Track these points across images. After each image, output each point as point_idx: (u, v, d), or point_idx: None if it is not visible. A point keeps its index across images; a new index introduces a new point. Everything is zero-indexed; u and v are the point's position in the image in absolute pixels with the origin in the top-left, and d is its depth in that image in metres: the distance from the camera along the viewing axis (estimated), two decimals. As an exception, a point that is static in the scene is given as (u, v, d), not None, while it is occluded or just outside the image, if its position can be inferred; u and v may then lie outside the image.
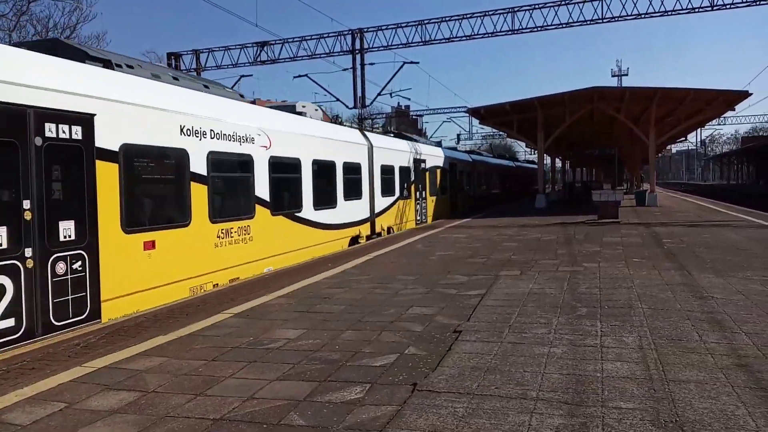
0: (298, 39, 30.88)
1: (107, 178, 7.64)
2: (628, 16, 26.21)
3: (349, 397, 4.34)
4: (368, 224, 17.00)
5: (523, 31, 27.94)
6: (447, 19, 28.94)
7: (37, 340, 6.37)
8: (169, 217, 8.96)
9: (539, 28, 27.66)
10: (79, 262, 7.15)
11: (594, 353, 5.18)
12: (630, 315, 6.52)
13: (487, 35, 28.48)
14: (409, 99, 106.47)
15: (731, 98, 25.38)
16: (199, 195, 9.50)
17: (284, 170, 12.35)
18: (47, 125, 6.77)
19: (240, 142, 10.74)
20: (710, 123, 56.29)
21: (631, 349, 5.29)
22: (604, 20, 26.55)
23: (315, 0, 32.40)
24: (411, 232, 18.08)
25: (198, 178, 9.50)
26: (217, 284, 9.71)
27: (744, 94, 24.78)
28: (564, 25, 27.30)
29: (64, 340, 6.30)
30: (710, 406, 3.97)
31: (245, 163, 10.99)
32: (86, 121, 7.30)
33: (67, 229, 7.01)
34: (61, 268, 6.87)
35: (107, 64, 8.68)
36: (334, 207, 14.64)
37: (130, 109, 8.13)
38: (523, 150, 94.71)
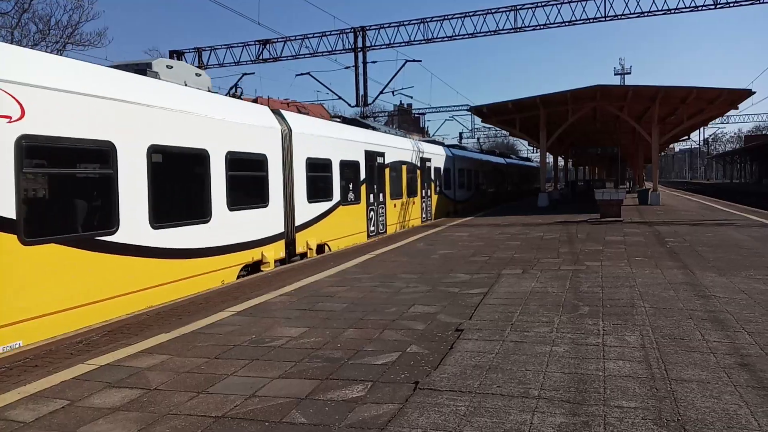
0: (300, 37, 30.90)
1: None
2: (630, 14, 26.17)
3: (351, 396, 4.34)
4: (281, 242, 12.04)
5: (526, 29, 27.92)
6: (449, 17, 28.93)
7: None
8: None
9: (542, 26, 27.64)
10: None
11: (596, 352, 5.18)
12: (632, 314, 6.52)
13: (489, 33, 28.46)
14: (412, 97, 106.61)
15: (734, 97, 25.32)
16: None
17: (68, 163, 7.51)
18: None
19: None
20: (713, 122, 56.17)
21: (633, 347, 5.29)
22: (607, 18, 26.51)
23: (317, -2, 32.30)
24: (410, 231, 18.06)
25: None
26: None
27: (747, 93, 24.73)
28: (567, 23, 27.26)
29: (67, 338, 6.32)
30: (712, 406, 3.97)
31: None
32: None
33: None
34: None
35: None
36: (205, 221, 9.70)
37: None
38: (525, 148, 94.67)
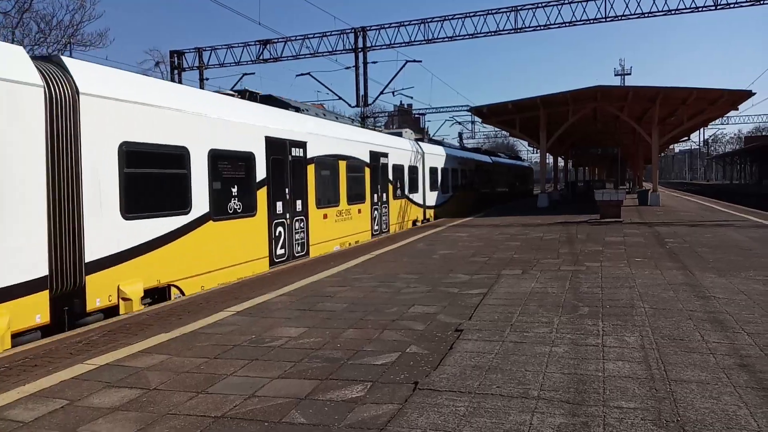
0: (300, 37, 30.91)
1: None
2: (631, 15, 26.19)
3: (351, 396, 4.34)
4: (37, 297, 6.75)
5: (526, 29, 27.94)
6: (450, 17, 28.95)
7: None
8: None
9: (542, 27, 27.65)
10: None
11: (595, 353, 5.18)
12: (632, 314, 6.51)
13: (489, 34, 28.47)
14: (412, 98, 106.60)
15: (735, 98, 25.32)
16: None
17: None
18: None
19: None
20: (713, 122, 56.22)
21: (632, 348, 5.29)
22: (607, 19, 26.53)
23: (317, -2, 32.31)
24: (409, 231, 18.06)
25: None
26: None
27: (747, 94, 24.73)
28: (567, 24, 27.28)
29: (67, 337, 6.31)
30: (712, 406, 3.96)
31: None
32: None
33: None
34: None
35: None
36: None
37: None
38: (525, 149, 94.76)
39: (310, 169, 13.18)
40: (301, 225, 12.73)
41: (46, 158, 6.85)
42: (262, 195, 11.18)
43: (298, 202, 12.61)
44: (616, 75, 78.55)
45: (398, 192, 19.59)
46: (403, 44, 29.68)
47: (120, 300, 7.89)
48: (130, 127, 8.10)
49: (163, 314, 7.24)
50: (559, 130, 28.57)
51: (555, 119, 28.58)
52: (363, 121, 30.08)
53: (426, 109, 62.22)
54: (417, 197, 21.68)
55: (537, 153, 49.13)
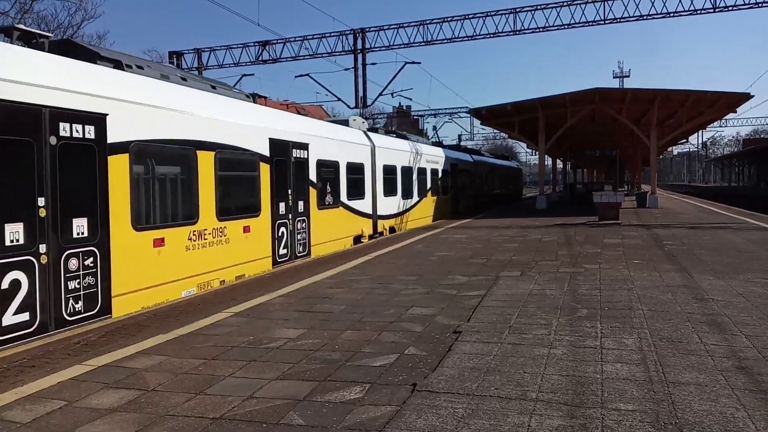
0: (300, 38, 30.93)
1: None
2: (630, 17, 26.24)
3: (349, 397, 4.34)
4: None
5: (525, 31, 28.00)
6: (449, 19, 28.97)
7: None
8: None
9: (541, 29, 27.71)
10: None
11: (594, 355, 5.18)
12: (630, 317, 6.52)
13: (489, 36, 28.51)
14: (411, 99, 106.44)
15: (733, 100, 25.39)
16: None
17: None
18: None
19: None
20: (712, 125, 56.36)
21: (630, 350, 5.29)
22: (606, 21, 26.59)
23: (317, 0, 32.32)
24: (408, 233, 18.06)
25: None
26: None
27: (745, 96, 24.79)
28: (566, 26, 27.33)
29: (65, 338, 6.31)
30: (710, 409, 3.97)
31: None
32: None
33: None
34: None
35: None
36: None
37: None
38: (524, 151, 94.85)
39: (116, 166, 7.70)
40: (100, 263, 7.35)
41: None
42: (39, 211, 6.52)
43: (82, 224, 7.13)
44: (614, 77, 78.69)
45: (328, 198, 14.20)
46: (402, 46, 29.72)
47: None
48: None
49: (161, 315, 7.24)
50: (557, 132, 28.61)
51: (554, 121, 28.62)
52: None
53: (425, 110, 62.31)
54: (362, 205, 16.40)
55: (536, 155, 49.03)
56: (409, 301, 7.65)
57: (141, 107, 8.23)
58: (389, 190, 18.79)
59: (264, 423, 3.93)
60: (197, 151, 9.44)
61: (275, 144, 11.79)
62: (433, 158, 24.20)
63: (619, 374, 4.67)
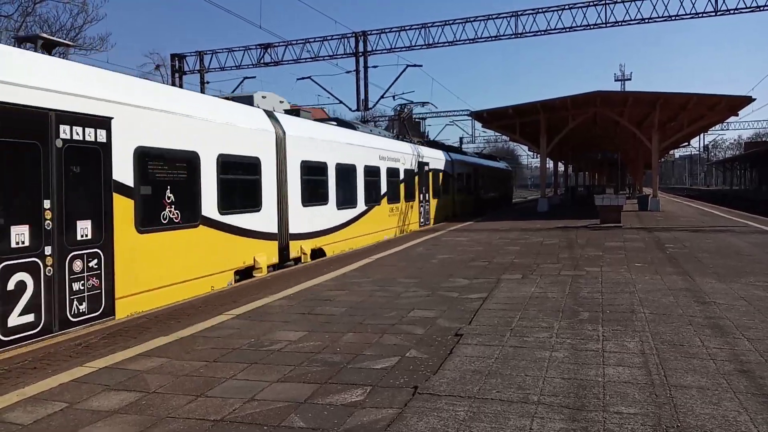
0: (301, 41, 30.97)
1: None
2: (631, 20, 26.24)
3: (350, 400, 4.34)
4: None
5: (527, 34, 27.98)
6: (450, 22, 29.00)
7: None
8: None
9: (543, 32, 27.70)
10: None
11: (596, 358, 5.17)
12: (632, 320, 6.51)
13: (490, 39, 28.51)
14: (412, 102, 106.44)
15: (734, 103, 25.36)
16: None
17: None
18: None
19: None
20: (713, 128, 56.33)
21: (632, 353, 5.28)
22: (608, 25, 26.59)
23: (319, 2, 32.36)
24: (409, 236, 18.04)
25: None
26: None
27: (747, 100, 24.76)
28: (567, 29, 27.33)
29: (66, 340, 6.31)
30: (712, 412, 3.96)
31: None
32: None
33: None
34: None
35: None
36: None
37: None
38: (526, 153, 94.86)
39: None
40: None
41: None
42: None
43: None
44: (616, 80, 78.87)
45: (169, 213, 8.82)
46: (404, 48, 29.73)
47: None
48: None
49: (162, 317, 7.24)
50: (559, 134, 28.61)
51: (555, 124, 28.62)
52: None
53: (426, 113, 62.27)
54: (254, 220, 11.09)
55: (537, 157, 49.02)
56: (410, 303, 7.65)
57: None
58: (314, 197, 13.36)
59: (265, 425, 3.93)
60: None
61: (23, 115, 6.44)
62: (393, 154, 18.92)
63: (620, 377, 4.66)
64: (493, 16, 28.36)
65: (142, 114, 8.35)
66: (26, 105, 6.37)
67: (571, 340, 5.72)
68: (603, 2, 26.44)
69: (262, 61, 31.68)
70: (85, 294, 7.11)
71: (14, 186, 6.29)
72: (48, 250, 6.61)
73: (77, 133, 7.10)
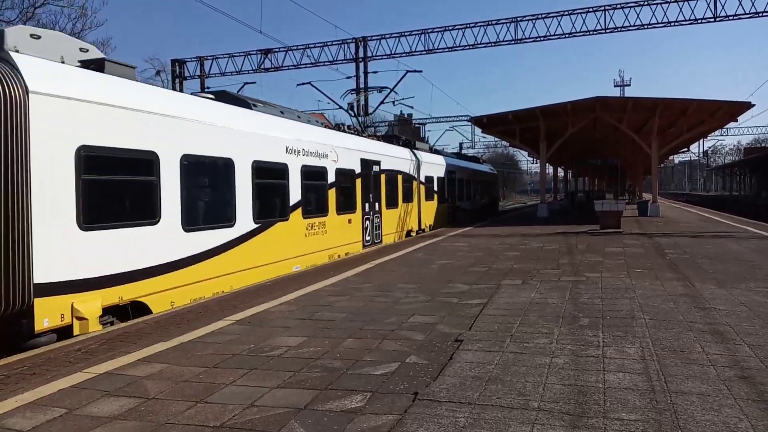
0: (301, 47, 31.10)
1: None
2: (631, 26, 26.37)
3: (350, 406, 4.33)
4: None
5: (526, 40, 28.13)
6: (450, 28, 29.13)
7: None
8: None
9: (542, 38, 27.84)
10: None
11: (596, 364, 5.16)
12: (632, 326, 6.50)
13: (490, 44, 28.64)
14: (412, 107, 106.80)
15: (734, 109, 25.41)
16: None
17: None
18: None
19: None
20: (713, 134, 56.42)
21: (633, 359, 5.27)
22: (607, 30, 26.73)
23: (319, 8, 32.49)
24: (409, 241, 18.04)
25: None
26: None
27: (746, 105, 24.81)
28: (567, 35, 27.45)
29: (65, 345, 6.30)
30: (713, 419, 3.95)
31: None
32: None
33: None
34: None
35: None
36: None
37: None
38: (525, 159, 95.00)
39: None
40: None
41: None
42: None
43: None
44: (615, 86, 78.89)
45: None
46: (404, 54, 29.86)
47: None
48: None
49: (162, 323, 7.23)
50: (559, 140, 28.66)
51: (555, 129, 28.67)
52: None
53: (426, 118, 62.43)
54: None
55: (537, 163, 49.04)
56: (409, 309, 7.64)
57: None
58: (116, 211, 8.22)
59: (265, 431, 3.92)
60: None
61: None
62: (316, 147, 13.79)
63: (621, 383, 4.65)
64: (493, 22, 28.51)
65: None
66: None
67: (572, 346, 5.71)
68: (602, 8, 26.56)
69: (262, 67, 31.81)
70: None
71: None
72: None
73: None
